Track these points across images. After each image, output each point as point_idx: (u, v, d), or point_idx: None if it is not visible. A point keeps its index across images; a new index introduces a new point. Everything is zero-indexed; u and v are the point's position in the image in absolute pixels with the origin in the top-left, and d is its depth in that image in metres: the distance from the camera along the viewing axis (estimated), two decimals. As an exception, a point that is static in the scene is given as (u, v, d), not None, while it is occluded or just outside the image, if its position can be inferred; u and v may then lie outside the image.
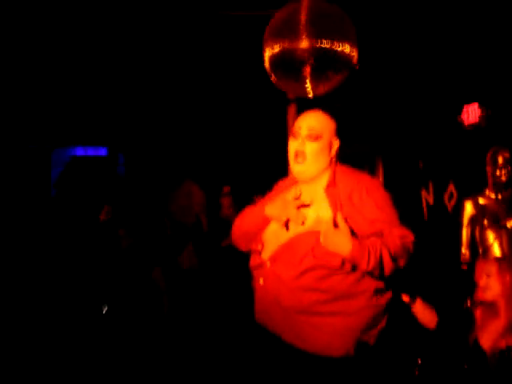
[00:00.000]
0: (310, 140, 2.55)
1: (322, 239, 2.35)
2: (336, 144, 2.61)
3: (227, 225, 6.60)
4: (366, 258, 2.31)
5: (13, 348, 4.53)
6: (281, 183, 2.84)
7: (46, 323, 5.57)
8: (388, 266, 2.35)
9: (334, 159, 2.62)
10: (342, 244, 2.32)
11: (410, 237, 2.44)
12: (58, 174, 8.27)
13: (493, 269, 2.82)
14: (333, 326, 2.39)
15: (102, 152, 9.02)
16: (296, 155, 2.56)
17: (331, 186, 2.55)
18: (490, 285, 2.78)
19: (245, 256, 2.77)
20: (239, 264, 2.77)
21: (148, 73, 7.07)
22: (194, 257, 6.70)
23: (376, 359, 2.50)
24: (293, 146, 2.59)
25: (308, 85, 3.39)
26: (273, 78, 3.58)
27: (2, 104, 6.82)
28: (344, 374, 2.39)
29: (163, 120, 7.83)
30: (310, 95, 3.50)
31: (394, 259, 2.36)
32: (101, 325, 5.63)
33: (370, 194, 2.48)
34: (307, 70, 3.31)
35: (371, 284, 2.43)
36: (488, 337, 2.71)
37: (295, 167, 2.58)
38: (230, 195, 6.91)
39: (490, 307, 2.77)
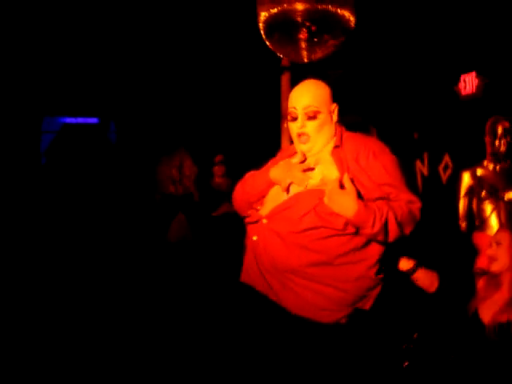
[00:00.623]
0: (309, 119, 2.48)
1: (326, 199, 2.30)
2: (335, 109, 2.54)
3: (218, 194, 6.61)
4: (371, 221, 2.26)
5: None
6: (286, 148, 2.78)
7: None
8: (393, 231, 2.31)
9: (336, 123, 2.56)
10: (347, 205, 2.27)
11: (417, 203, 2.40)
12: (49, 142, 8.20)
13: (505, 238, 2.72)
14: (327, 291, 2.32)
15: (94, 121, 8.93)
16: (299, 135, 2.50)
17: (338, 148, 2.49)
18: (498, 255, 2.69)
19: (236, 226, 2.70)
20: (230, 234, 2.71)
21: (139, 40, 6.99)
22: (186, 228, 6.66)
23: (369, 328, 2.45)
24: (293, 127, 2.52)
25: (304, 49, 3.30)
26: (267, 41, 3.49)
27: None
28: (334, 340, 2.34)
29: (155, 87, 7.75)
30: (306, 60, 3.42)
31: (400, 225, 2.32)
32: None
33: (377, 157, 2.43)
34: (303, 33, 3.23)
35: (372, 254, 2.37)
36: (488, 309, 2.66)
37: (301, 147, 2.52)
38: (223, 164, 6.85)
39: (494, 279, 2.70)
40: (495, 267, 2.69)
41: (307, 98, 2.49)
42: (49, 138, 8.29)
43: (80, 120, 8.89)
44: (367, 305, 2.41)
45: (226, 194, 6.29)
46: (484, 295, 2.73)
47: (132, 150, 8.18)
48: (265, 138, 5.58)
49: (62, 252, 6.62)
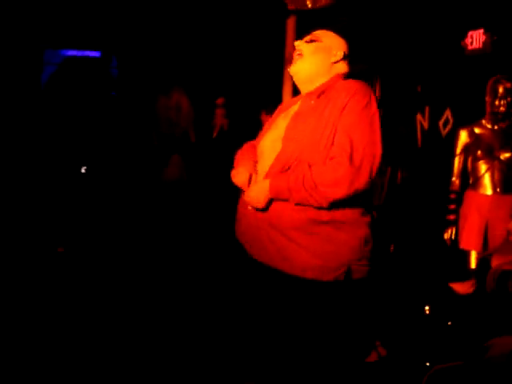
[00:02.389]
0: (307, 42, 2.49)
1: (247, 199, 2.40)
2: (339, 54, 2.49)
3: (219, 135, 6.62)
4: (285, 192, 2.29)
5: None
6: (287, 102, 2.78)
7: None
8: (316, 195, 2.25)
9: (333, 68, 2.49)
10: (259, 192, 2.36)
11: (341, 159, 2.25)
12: (50, 74, 8.13)
13: None
14: (324, 250, 2.32)
15: (96, 55, 8.82)
16: (293, 58, 2.51)
17: (314, 95, 2.45)
18: None
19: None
20: (226, 176, 2.72)
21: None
22: (182, 169, 6.68)
23: (365, 288, 2.49)
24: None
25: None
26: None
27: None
28: (331, 299, 2.37)
29: (160, 24, 7.64)
30: (309, 6, 3.37)
31: (321, 187, 2.25)
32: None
33: (350, 112, 2.32)
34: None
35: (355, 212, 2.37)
36: (499, 258, 2.77)
37: (292, 68, 2.50)
38: (224, 107, 6.83)
39: None
40: None
41: (314, 31, 2.54)
42: (50, 70, 8.21)
43: (82, 53, 8.78)
44: (364, 268, 2.42)
45: (227, 134, 6.32)
46: (499, 249, 2.85)
47: (133, 85, 8.12)
48: (267, 82, 5.54)
49: (61, 184, 6.65)
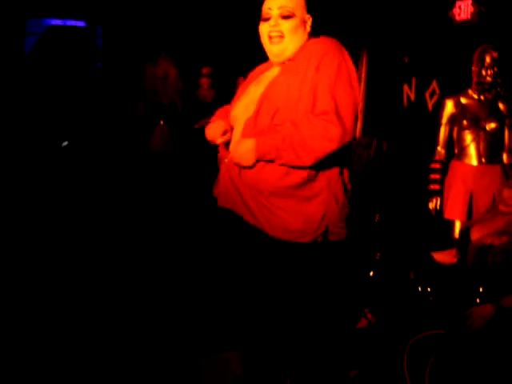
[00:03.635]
0: (284, 18, 2.45)
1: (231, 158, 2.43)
2: (309, 20, 2.51)
3: (203, 106, 6.56)
4: (273, 154, 2.32)
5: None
6: (256, 69, 2.74)
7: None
8: (301, 153, 2.29)
9: (308, 36, 2.51)
10: (244, 149, 2.37)
11: (330, 115, 2.30)
12: (33, 44, 8.01)
13: None
14: (302, 211, 2.37)
15: (80, 24, 8.69)
16: (270, 37, 2.46)
17: (289, 60, 2.48)
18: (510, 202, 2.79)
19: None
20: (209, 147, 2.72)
21: None
22: (168, 139, 6.64)
23: (344, 251, 2.51)
24: (265, 28, 2.48)
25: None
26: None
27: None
28: (311, 259, 2.40)
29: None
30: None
31: (309, 144, 2.29)
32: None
33: (319, 69, 2.36)
34: None
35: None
36: (480, 231, 2.79)
37: (272, 49, 2.48)
38: (210, 76, 6.77)
39: (495, 211, 2.83)
40: (503, 208, 2.79)
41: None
42: (34, 40, 8.09)
43: (67, 23, 8.65)
44: (342, 230, 2.46)
45: (211, 106, 6.26)
46: (482, 219, 2.87)
47: (118, 55, 8.03)
48: (252, 52, 5.49)
49: (44, 156, 6.61)
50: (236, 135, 2.49)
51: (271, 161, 2.35)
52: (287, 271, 2.38)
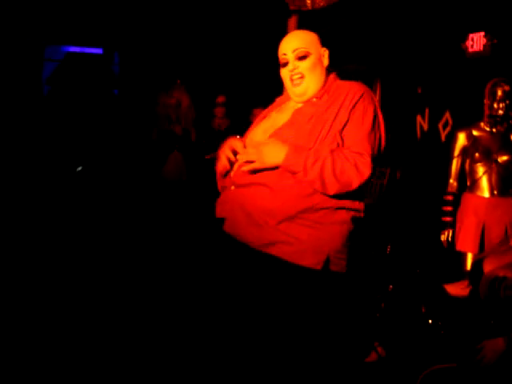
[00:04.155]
0: (300, 59, 2.50)
1: (255, 157, 2.39)
2: (325, 53, 2.56)
3: (218, 135, 6.61)
4: (301, 164, 2.31)
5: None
6: (278, 98, 2.79)
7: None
8: (329, 180, 2.31)
9: (327, 69, 2.57)
10: (275, 151, 2.35)
11: (366, 157, 2.35)
12: (52, 70, 8.12)
13: None
14: (305, 234, 2.36)
15: (97, 51, 8.81)
16: (292, 80, 2.51)
17: (317, 98, 2.51)
18: None
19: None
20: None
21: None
22: (181, 168, 6.68)
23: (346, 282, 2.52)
24: (285, 73, 2.54)
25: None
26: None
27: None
28: (310, 286, 2.39)
29: (161, 20, 7.64)
30: (309, 7, 3.38)
31: (338, 175, 2.32)
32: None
33: (355, 111, 2.41)
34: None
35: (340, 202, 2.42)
36: (493, 263, 2.78)
37: (295, 90, 2.52)
38: (224, 106, 6.83)
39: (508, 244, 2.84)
40: None
41: (296, 41, 2.53)
42: (52, 66, 8.21)
43: (84, 50, 8.78)
44: (343, 261, 2.46)
45: (225, 135, 6.30)
46: (495, 251, 2.91)
47: (134, 83, 8.13)
48: (267, 82, 5.55)
49: (59, 181, 6.67)
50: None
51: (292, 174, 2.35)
52: (290, 298, 2.37)
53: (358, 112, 2.40)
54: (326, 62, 2.56)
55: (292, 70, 2.50)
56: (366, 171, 2.34)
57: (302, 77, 2.49)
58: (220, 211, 2.54)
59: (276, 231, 2.36)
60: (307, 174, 2.32)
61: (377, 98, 6.18)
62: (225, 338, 2.46)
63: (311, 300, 2.39)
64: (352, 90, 2.45)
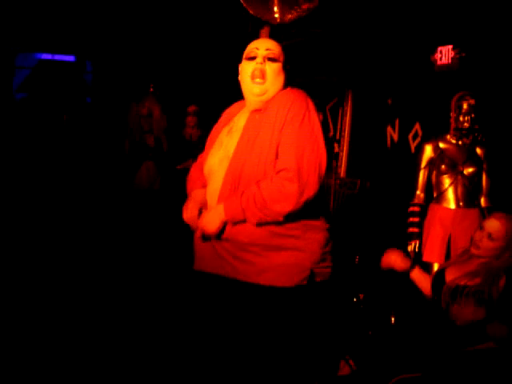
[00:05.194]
0: (270, 60, 2.51)
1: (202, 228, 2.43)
2: (288, 69, 2.59)
3: (189, 145, 6.61)
4: (240, 213, 2.35)
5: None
6: (227, 111, 2.78)
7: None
8: (267, 212, 2.33)
9: (285, 84, 2.58)
10: (213, 217, 2.40)
11: (290, 174, 2.34)
12: (24, 78, 8.06)
13: (496, 231, 2.80)
14: (286, 257, 2.40)
15: (70, 59, 8.76)
16: (253, 76, 2.49)
17: (260, 111, 2.52)
18: (482, 245, 2.82)
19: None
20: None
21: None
22: (153, 177, 6.67)
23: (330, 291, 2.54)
24: (249, 66, 2.52)
25: (276, 10, 3.28)
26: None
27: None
28: (297, 303, 2.44)
29: (134, 29, 7.63)
30: (278, 20, 3.40)
31: (270, 204, 2.33)
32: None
33: (290, 126, 2.41)
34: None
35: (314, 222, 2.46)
36: (454, 273, 2.82)
37: (255, 88, 2.50)
38: (196, 115, 6.83)
39: (469, 254, 2.88)
40: (474, 251, 2.83)
41: (270, 43, 2.57)
42: (23, 73, 8.15)
43: (56, 57, 8.72)
44: (326, 271, 2.49)
45: (197, 145, 6.30)
46: (456, 261, 2.96)
47: (107, 91, 8.09)
48: (239, 91, 5.55)
49: (32, 187, 6.61)
50: (212, 192, 2.51)
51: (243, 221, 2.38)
52: (274, 318, 2.40)
53: (286, 125, 2.40)
54: (286, 75, 2.57)
55: (258, 64, 2.48)
56: (291, 187, 2.31)
57: (264, 77, 2.48)
58: (199, 265, 2.58)
59: (260, 262, 2.39)
60: (248, 216, 2.35)
61: (348, 109, 6.25)
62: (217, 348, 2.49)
63: (295, 315, 2.43)
64: (282, 100, 2.46)
